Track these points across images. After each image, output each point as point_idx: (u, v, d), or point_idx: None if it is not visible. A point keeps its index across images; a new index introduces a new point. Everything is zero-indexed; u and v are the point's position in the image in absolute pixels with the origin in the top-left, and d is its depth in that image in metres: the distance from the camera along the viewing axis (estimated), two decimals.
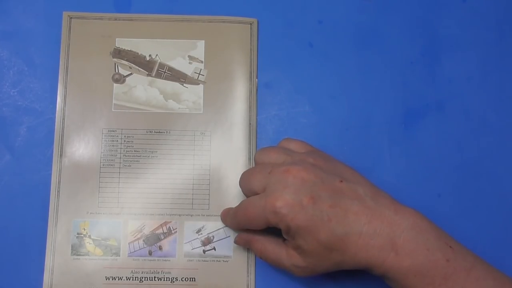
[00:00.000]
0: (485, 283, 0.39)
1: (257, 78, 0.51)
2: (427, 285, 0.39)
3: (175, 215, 0.48)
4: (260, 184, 0.42)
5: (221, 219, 0.48)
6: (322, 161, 0.43)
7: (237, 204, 0.45)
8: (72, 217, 0.48)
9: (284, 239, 0.43)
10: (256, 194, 0.43)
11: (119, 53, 0.51)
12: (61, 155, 0.48)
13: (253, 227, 0.44)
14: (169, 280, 0.47)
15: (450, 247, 0.40)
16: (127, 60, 0.51)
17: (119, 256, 0.47)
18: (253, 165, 0.48)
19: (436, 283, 0.39)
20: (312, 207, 0.40)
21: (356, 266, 0.41)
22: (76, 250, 0.47)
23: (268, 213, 0.41)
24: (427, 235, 0.40)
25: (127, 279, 0.47)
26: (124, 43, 0.51)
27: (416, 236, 0.40)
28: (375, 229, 0.40)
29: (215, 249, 0.48)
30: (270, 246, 0.44)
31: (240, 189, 0.47)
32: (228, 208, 0.48)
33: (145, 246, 0.48)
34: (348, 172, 0.43)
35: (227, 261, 0.48)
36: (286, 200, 0.40)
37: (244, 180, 0.45)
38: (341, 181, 0.41)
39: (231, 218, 0.46)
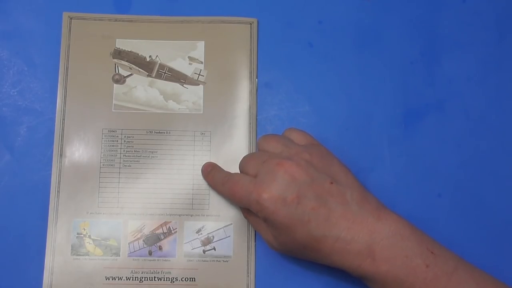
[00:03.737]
0: (467, 286, 0.40)
1: (257, 78, 0.51)
2: None
3: (175, 215, 0.48)
4: (253, 170, 0.43)
5: (203, 173, 0.48)
6: (318, 158, 0.43)
7: (229, 173, 0.46)
8: (72, 217, 0.48)
9: None
10: None
11: (119, 54, 0.51)
12: (61, 155, 0.48)
13: (235, 203, 0.47)
14: (169, 280, 0.47)
15: (432, 252, 0.40)
16: (127, 61, 0.51)
17: (119, 256, 0.47)
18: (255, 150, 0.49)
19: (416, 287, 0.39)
20: (295, 206, 0.40)
21: (330, 265, 0.42)
22: (76, 250, 0.47)
23: (252, 200, 0.42)
24: (407, 242, 0.40)
25: (127, 279, 0.47)
26: (124, 44, 0.51)
27: (396, 243, 0.40)
28: (353, 235, 0.40)
29: (215, 249, 0.48)
30: (253, 215, 0.45)
31: None
32: (212, 163, 0.49)
33: (145, 246, 0.48)
34: (342, 173, 0.43)
35: (227, 261, 0.47)
36: (272, 194, 0.41)
37: (242, 163, 0.46)
38: (332, 182, 0.42)
39: (218, 184, 0.47)
